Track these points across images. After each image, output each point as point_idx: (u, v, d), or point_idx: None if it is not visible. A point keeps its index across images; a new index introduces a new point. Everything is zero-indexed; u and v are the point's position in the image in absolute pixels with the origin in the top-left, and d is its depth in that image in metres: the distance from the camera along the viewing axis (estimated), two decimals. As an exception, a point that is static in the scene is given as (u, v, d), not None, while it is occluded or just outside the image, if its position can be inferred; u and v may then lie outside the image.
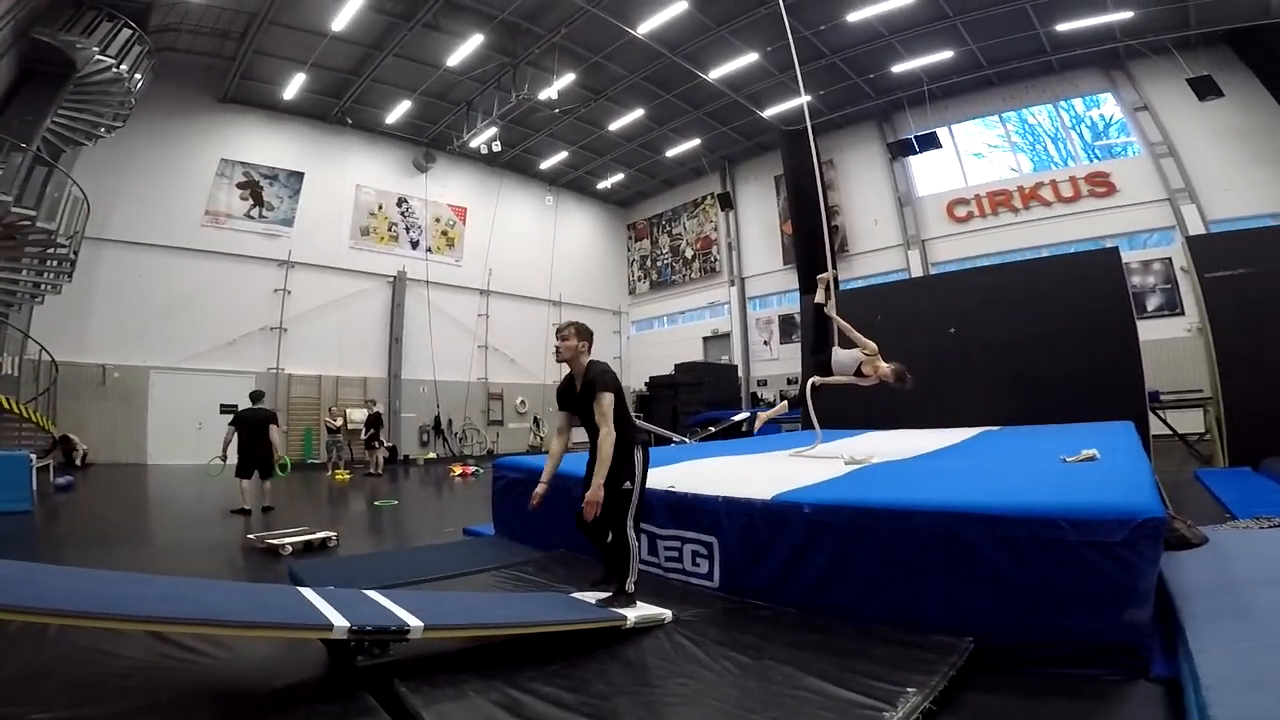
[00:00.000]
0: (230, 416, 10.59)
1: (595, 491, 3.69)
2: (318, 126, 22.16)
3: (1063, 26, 17.56)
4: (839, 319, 7.10)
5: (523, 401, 25.86)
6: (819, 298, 7.40)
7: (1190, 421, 12.65)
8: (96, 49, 13.88)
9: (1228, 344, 10.25)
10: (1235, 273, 10.41)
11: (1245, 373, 9.85)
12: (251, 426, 10.06)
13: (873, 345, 6.75)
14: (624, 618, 3.48)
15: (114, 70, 14.30)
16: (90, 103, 14.81)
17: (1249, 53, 16.57)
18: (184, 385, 17.85)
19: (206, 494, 12.08)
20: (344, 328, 21.62)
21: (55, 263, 13.98)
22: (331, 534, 7.15)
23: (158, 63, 16.55)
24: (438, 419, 22.71)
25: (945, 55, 19.30)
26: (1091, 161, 19.67)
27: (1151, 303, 16.99)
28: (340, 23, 16.73)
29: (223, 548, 7.22)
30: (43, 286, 14.29)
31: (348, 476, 15.57)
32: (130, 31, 14.79)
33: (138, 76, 15.31)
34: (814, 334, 7.46)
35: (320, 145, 22.17)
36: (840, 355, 6.98)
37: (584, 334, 4.07)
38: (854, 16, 17.41)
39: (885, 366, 6.69)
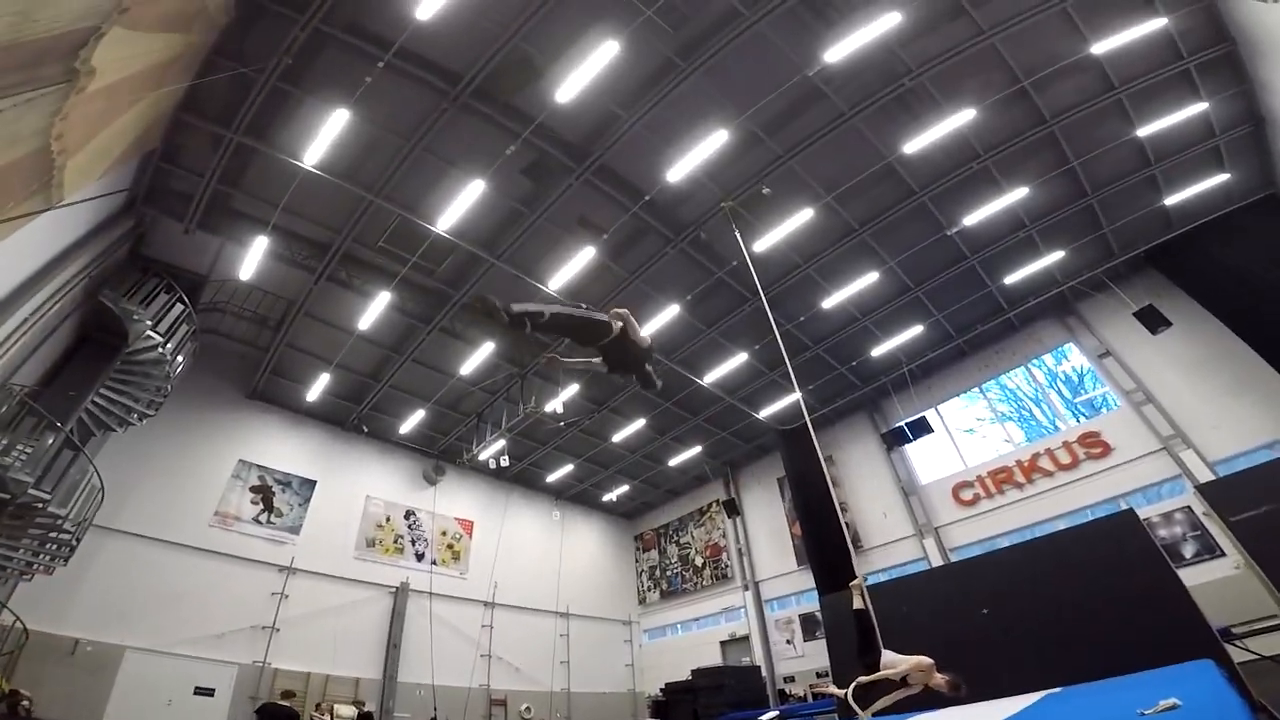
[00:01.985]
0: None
1: None
2: (334, 433, 23.19)
3: (1009, 279, 19.37)
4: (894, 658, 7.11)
5: (528, 708, 23.54)
6: (857, 604, 7.49)
7: (1276, 643, 11.54)
8: (150, 323, 14.88)
9: None
10: (1260, 511, 10.32)
11: None
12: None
13: (928, 660, 6.74)
14: None
15: (160, 350, 15.19)
16: (131, 384, 15.43)
17: (1172, 271, 18.06)
18: (159, 665, 16.37)
19: None
20: (340, 631, 20.50)
21: (55, 546, 13.73)
22: None
23: (198, 347, 17.70)
24: (434, 720, 20.74)
25: (916, 330, 20.85)
26: (1079, 421, 20.10)
27: (1188, 550, 16.24)
28: (366, 321, 18.20)
29: None
30: (35, 567, 13.86)
31: None
32: (182, 307, 16.06)
33: (179, 359, 16.21)
34: (859, 639, 7.41)
35: (335, 453, 22.99)
36: (890, 656, 6.92)
37: None
38: (828, 303, 19.26)
39: (940, 677, 6.66)
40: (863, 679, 6.67)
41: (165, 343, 15.36)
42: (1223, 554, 15.38)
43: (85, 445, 14.50)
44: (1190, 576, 11.14)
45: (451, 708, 21.17)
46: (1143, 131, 15.47)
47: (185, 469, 19.11)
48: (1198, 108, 14.93)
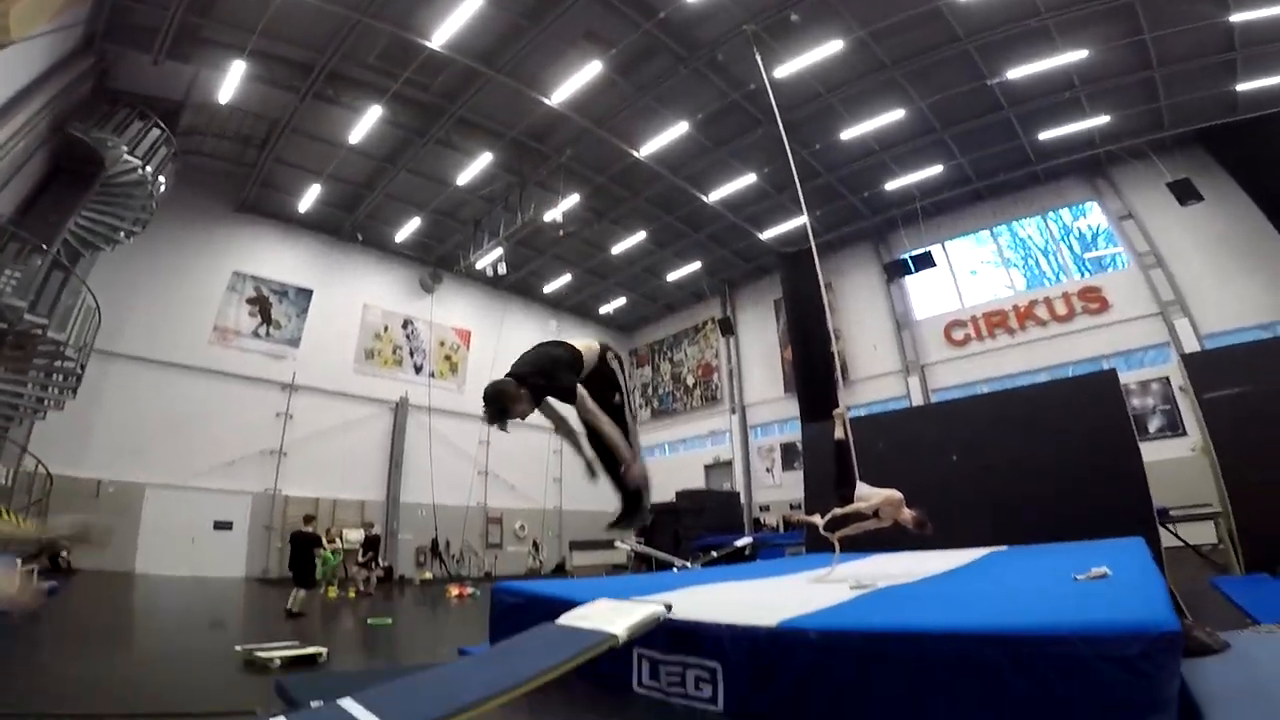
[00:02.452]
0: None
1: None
2: (329, 242, 22.80)
3: (1045, 135, 18.43)
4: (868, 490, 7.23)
5: (522, 526, 25.46)
6: (838, 434, 7.44)
7: (1203, 533, 12.38)
8: (125, 148, 14.33)
9: (1232, 463, 10.09)
10: (1233, 392, 10.31)
11: (1254, 488, 9.62)
12: (298, 545, 11.82)
13: (899, 495, 6.74)
14: (615, 637, 3.27)
15: (140, 172, 14.73)
16: (114, 205, 15.10)
17: (1222, 153, 17.32)
18: (179, 502, 17.55)
19: (195, 605, 11.94)
20: (344, 452, 21.51)
21: (61, 377, 13.89)
22: (322, 650, 6.90)
23: (181, 166, 17.19)
24: (435, 541, 22.28)
25: (935, 170, 20.14)
26: (1083, 276, 20.08)
27: (1153, 424, 16.91)
28: (357, 135, 17.49)
29: (208, 658, 6.95)
30: (46, 402, 14.10)
31: (340, 594, 15.21)
32: (159, 132, 15.42)
33: (161, 179, 15.80)
34: (836, 469, 7.34)
35: (330, 262, 22.76)
36: (864, 489, 6.97)
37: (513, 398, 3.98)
38: (848, 134, 18.34)
39: (908, 513, 6.64)
40: (837, 510, 6.72)
41: (144, 165, 14.80)
42: (1184, 433, 15.96)
43: (75, 267, 14.32)
44: (1149, 451, 11.39)
45: (451, 527, 22.73)
46: (1237, 17, 14.07)
47: (179, 284, 19.01)
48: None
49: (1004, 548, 9.42)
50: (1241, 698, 3.17)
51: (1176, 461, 15.15)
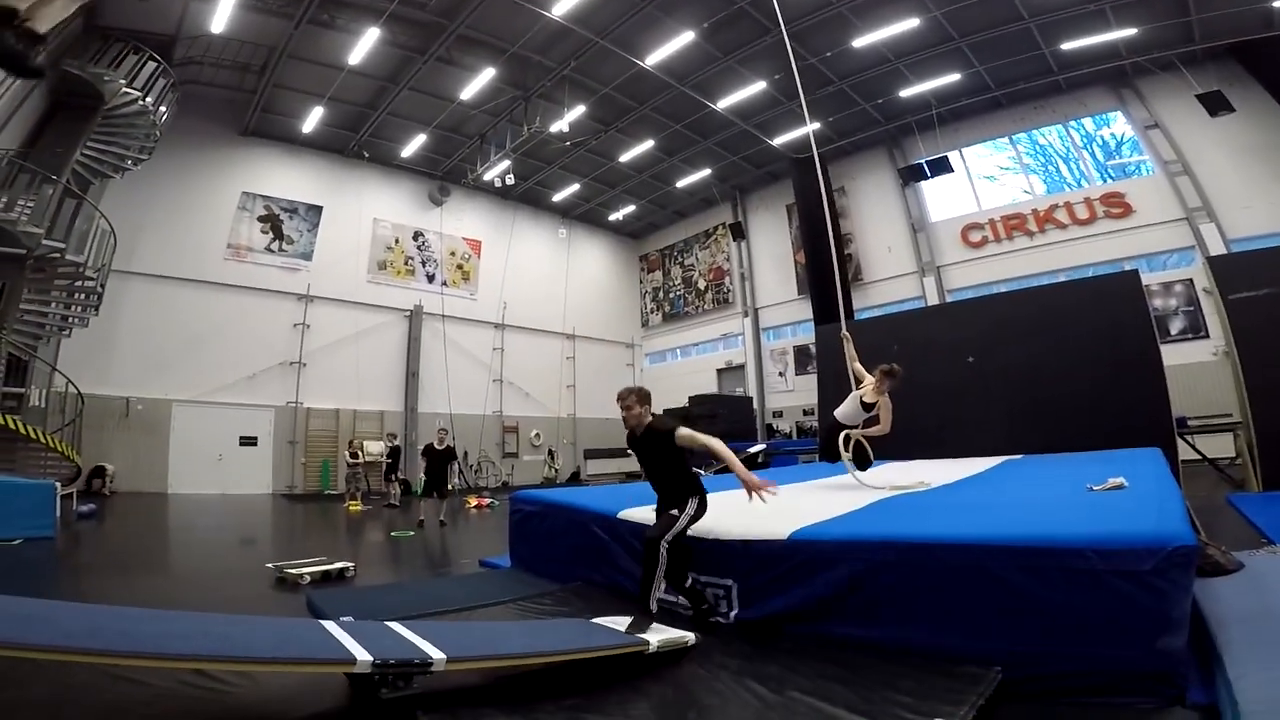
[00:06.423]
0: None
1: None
2: (336, 160, 22.61)
3: (1068, 46, 17.56)
4: (852, 357, 7.42)
5: (537, 435, 25.85)
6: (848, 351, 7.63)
7: (1220, 446, 12.08)
8: (123, 81, 14.27)
9: (1256, 367, 9.87)
10: (1260, 293, 10.00)
11: (1276, 396, 9.43)
12: (434, 459, 12.02)
13: (869, 379, 6.91)
14: (646, 642, 3.43)
15: (140, 103, 14.72)
16: (118, 135, 15.16)
17: (1256, 67, 16.56)
18: (204, 417, 18.09)
19: (226, 523, 12.28)
20: (361, 362, 21.86)
21: (83, 295, 14.23)
22: (349, 564, 6.97)
23: (181, 95, 17.04)
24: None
25: (953, 78, 19.33)
26: (1106, 182, 19.50)
27: (1174, 326, 16.65)
28: (356, 57, 17.08)
29: (240, 577, 7.16)
30: (70, 320, 14.50)
31: (360, 507, 15.19)
32: (155, 64, 15.27)
33: (163, 109, 15.77)
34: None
35: (338, 179, 22.63)
36: (843, 408, 7.04)
37: (645, 399, 4.38)
38: (860, 42, 17.57)
39: (870, 379, 6.82)
40: (853, 434, 6.92)
41: (144, 96, 14.81)
42: (1206, 335, 15.69)
43: (86, 194, 14.42)
44: (1169, 355, 11.09)
45: (468, 437, 23.07)
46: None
47: (190, 205, 19.08)
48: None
49: (1018, 457, 9.45)
50: (1254, 621, 3.14)
51: (1197, 366, 15.02)
